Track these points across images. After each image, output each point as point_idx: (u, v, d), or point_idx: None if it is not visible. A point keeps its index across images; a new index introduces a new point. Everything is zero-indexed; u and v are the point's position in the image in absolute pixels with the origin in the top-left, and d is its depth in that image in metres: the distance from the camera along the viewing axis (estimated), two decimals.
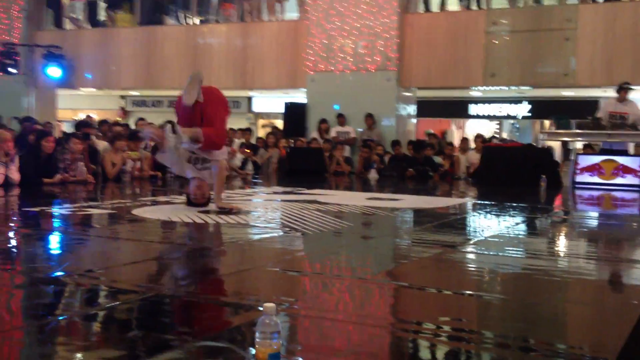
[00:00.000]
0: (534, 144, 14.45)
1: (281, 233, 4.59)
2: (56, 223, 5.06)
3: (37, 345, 2.07)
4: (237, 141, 12.37)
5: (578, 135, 10.33)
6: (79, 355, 1.97)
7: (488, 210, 6.61)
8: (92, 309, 2.49)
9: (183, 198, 6.50)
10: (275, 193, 7.78)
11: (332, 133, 13.06)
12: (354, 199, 7.07)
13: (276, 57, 14.06)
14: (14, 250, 3.91)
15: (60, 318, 2.33)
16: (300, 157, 12.18)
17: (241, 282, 3.13)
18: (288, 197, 7.07)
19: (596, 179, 10.21)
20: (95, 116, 15.44)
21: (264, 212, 5.37)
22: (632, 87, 10.25)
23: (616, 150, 10.37)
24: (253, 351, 1.76)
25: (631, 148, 11.07)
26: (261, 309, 1.75)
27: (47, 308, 2.51)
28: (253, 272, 3.34)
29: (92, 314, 2.40)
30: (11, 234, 4.42)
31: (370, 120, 12.85)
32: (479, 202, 7.66)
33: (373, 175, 11.74)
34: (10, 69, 15.16)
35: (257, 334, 1.72)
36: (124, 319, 2.38)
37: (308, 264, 3.71)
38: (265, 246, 4.25)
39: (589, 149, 11.26)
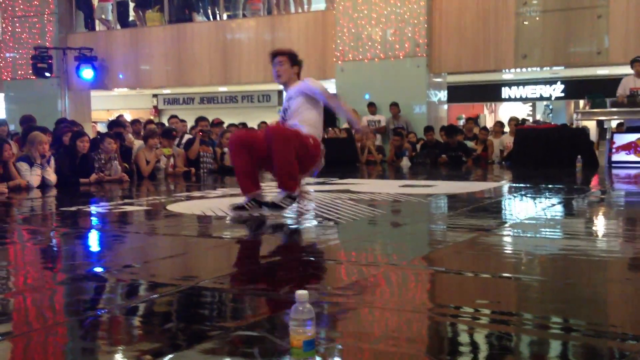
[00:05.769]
0: (569, 125, 14.24)
1: (315, 223, 4.60)
2: (94, 221, 5.15)
3: (80, 339, 2.11)
4: None
5: (613, 113, 10.15)
6: (120, 347, 2.00)
7: (523, 192, 6.53)
8: (131, 303, 2.53)
9: (217, 192, 6.56)
10: (307, 184, 7.78)
11: (363, 122, 13.02)
12: (387, 187, 7.05)
13: (305, 48, 14.03)
14: (55, 248, 3.99)
15: (101, 312, 2.37)
16: (331, 147, 12.18)
17: (276, 272, 3.15)
18: (321, 188, 7.09)
19: (633, 157, 10.03)
20: (129, 115, 15.62)
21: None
22: None
23: None
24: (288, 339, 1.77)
25: None
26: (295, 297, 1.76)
27: (88, 303, 2.57)
28: (288, 262, 3.36)
29: (131, 308, 2.44)
30: (51, 234, 4.51)
31: (395, 109, 12.78)
32: (514, 185, 7.57)
33: (405, 162, 11.69)
34: (44, 73, 15.43)
35: (290, 322, 1.72)
36: (162, 311, 2.41)
37: (343, 252, 3.71)
38: (300, 236, 4.27)
39: (621, 127, 11.08)
